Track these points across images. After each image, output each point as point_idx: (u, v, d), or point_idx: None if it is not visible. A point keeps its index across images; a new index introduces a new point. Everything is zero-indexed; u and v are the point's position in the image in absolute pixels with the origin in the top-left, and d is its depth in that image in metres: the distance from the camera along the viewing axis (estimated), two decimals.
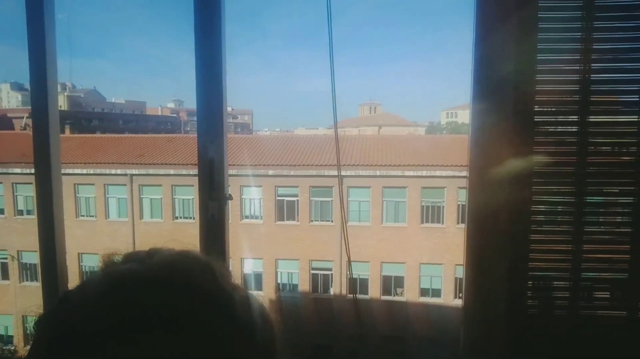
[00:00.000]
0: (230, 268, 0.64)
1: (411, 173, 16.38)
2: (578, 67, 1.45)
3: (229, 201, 1.69)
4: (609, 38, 1.47)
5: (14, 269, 17.46)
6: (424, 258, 16.26)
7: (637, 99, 1.49)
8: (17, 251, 17.08)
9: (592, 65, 1.45)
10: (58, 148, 1.86)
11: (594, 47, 1.45)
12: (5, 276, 17.68)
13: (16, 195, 17.62)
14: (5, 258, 17.51)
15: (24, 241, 16.23)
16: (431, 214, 16.56)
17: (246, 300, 0.54)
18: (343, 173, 16.47)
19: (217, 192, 1.66)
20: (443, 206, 16.33)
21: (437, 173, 16.02)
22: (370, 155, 17.60)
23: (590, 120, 1.47)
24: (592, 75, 1.46)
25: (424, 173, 16.25)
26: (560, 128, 1.52)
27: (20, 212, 17.61)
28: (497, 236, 1.48)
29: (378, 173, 16.64)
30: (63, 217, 1.96)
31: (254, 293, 0.59)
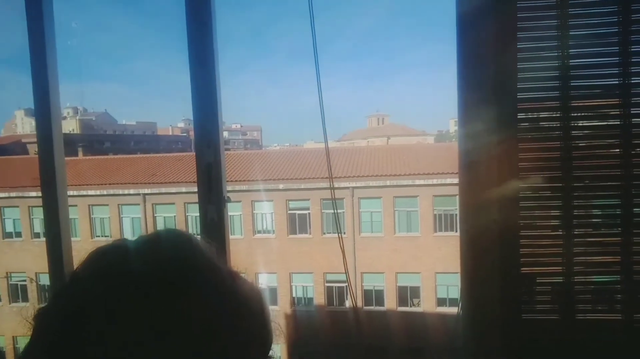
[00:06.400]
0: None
1: (422, 181, 16.32)
2: (557, 71, 1.47)
3: (228, 203, 1.71)
4: (583, 24, 1.47)
5: (32, 291, 17.70)
6: (439, 267, 16.08)
7: (617, 82, 1.48)
8: (35, 273, 17.33)
9: (571, 52, 1.46)
10: (63, 172, 1.92)
11: (570, 33, 1.47)
12: (25, 298, 17.93)
13: (32, 218, 17.95)
14: (24, 280, 17.77)
15: (42, 263, 16.41)
16: (444, 222, 16.44)
17: (235, 273, 0.55)
18: (353, 184, 16.47)
19: (215, 195, 1.69)
20: (456, 214, 16.17)
21: (448, 180, 15.92)
22: (380, 165, 17.59)
23: (572, 124, 1.48)
24: (572, 77, 1.48)
25: (435, 181, 16.18)
26: (544, 134, 1.52)
27: (37, 235, 17.90)
28: (489, 245, 1.49)
29: (388, 183, 16.60)
30: (70, 238, 2.00)
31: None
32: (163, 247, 0.52)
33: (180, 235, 0.54)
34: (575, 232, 1.49)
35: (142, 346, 0.43)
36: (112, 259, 0.50)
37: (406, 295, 16.79)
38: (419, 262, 16.32)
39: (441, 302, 16.44)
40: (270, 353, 0.55)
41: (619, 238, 1.48)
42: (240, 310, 0.50)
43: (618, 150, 1.48)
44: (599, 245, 1.50)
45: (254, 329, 0.52)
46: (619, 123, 1.48)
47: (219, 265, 0.53)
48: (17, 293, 18.15)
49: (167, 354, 0.44)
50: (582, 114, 1.52)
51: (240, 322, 0.50)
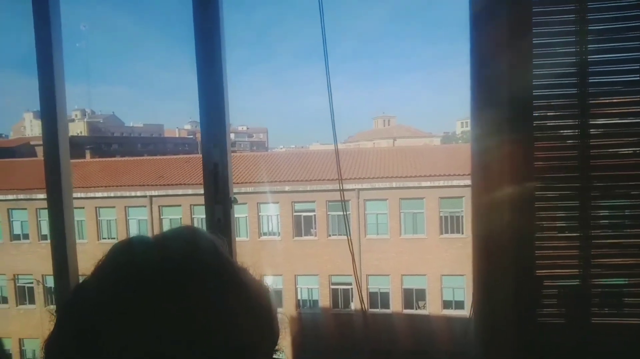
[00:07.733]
0: None
1: (428, 183, 16.25)
2: (574, 68, 1.43)
3: (234, 204, 1.70)
4: (603, 18, 1.44)
5: (39, 293, 17.79)
6: (445, 270, 15.99)
7: (638, 78, 1.44)
8: (42, 275, 17.42)
9: (589, 47, 1.43)
10: (69, 174, 1.91)
11: (589, 28, 1.42)
12: (32, 301, 18.01)
13: (40, 221, 18.04)
14: (31, 283, 17.87)
15: (49, 265, 16.52)
16: (450, 224, 16.35)
17: (244, 268, 0.55)
18: (359, 186, 16.43)
19: (222, 195, 1.67)
20: (462, 216, 16.09)
21: (455, 182, 15.84)
22: (386, 167, 17.54)
23: (590, 122, 1.44)
24: (589, 74, 1.44)
25: (441, 183, 16.10)
26: (561, 131, 1.49)
27: (45, 237, 17.96)
28: (503, 247, 1.46)
29: (394, 184, 16.54)
30: (75, 241, 2.00)
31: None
32: (174, 244, 0.52)
33: (193, 231, 0.55)
34: (592, 233, 1.45)
35: (147, 345, 0.43)
36: (127, 256, 0.50)
37: (412, 297, 16.71)
38: (425, 264, 16.24)
39: (447, 305, 16.34)
40: (277, 348, 0.55)
41: (638, 240, 1.44)
42: (249, 305, 0.50)
43: (638, 148, 1.44)
44: (617, 246, 1.45)
45: (263, 324, 0.52)
46: (638, 121, 1.44)
47: (230, 260, 0.53)
48: (25, 295, 18.24)
49: (177, 352, 0.43)
50: (601, 111, 1.48)
51: (249, 318, 0.50)
